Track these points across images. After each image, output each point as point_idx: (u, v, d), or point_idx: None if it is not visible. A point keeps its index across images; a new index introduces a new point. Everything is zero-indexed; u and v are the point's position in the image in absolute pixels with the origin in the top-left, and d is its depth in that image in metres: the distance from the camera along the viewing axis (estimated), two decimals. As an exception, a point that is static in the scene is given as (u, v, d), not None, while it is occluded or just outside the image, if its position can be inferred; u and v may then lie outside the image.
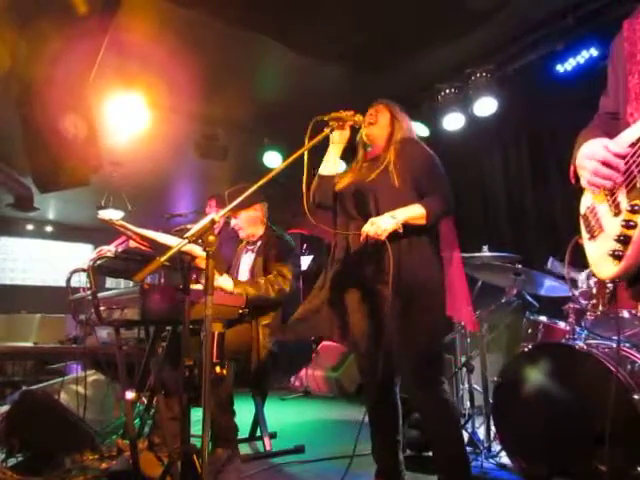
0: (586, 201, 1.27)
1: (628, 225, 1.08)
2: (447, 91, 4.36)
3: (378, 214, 1.88)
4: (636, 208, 1.07)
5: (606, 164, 1.13)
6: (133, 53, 3.90)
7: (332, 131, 1.95)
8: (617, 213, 1.13)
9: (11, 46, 3.54)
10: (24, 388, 2.68)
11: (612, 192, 1.15)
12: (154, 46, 3.86)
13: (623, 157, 1.11)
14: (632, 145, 1.09)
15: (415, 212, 1.86)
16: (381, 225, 1.79)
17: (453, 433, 1.92)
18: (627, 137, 1.12)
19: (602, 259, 1.17)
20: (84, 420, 2.52)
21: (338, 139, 2.05)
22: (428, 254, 1.93)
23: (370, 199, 1.96)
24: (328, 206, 2.09)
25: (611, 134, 1.18)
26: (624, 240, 1.09)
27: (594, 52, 3.58)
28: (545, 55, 3.84)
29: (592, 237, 1.24)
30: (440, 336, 2.17)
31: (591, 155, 1.17)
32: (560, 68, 3.77)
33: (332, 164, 2.10)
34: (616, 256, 1.11)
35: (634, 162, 1.08)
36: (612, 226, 1.15)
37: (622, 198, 1.12)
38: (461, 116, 4.39)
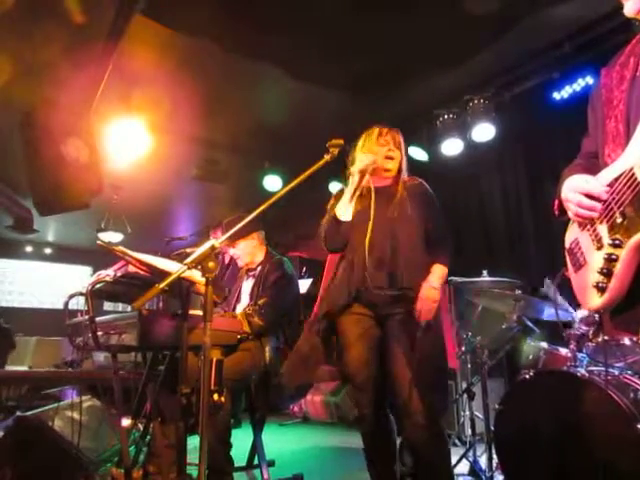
0: (570, 235, 1.34)
1: (610, 258, 1.14)
2: (446, 117, 4.41)
3: (396, 248, 1.97)
4: (617, 242, 1.13)
5: (589, 196, 1.19)
6: (135, 78, 3.96)
7: (332, 158, 1.93)
8: (600, 247, 1.19)
9: (15, 68, 3.61)
10: (18, 414, 2.62)
11: (593, 226, 1.21)
12: (156, 72, 3.92)
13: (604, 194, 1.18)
14: (610, 185, 1.16)
15: (443, 273, 2.03)
16: (431, 300, 1.91)
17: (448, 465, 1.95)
18: (606, 176, 1.19)
19: (587, 291, 1.22)
20: (78, 448, 2.45)
21: (358, 182, 2.03)
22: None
23: (388, 235, 2.01)
24: (342, 247, 2.10)
25: (592, 172, 1.24)
26: (607, 273, 1.15)
27: (590, 80, 3.65)
28: (542, 83, 3.90)
29: (577, 270, 1.29)
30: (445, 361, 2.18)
31: (574, 188, 1.23)
32: (557, 95, 3.85)
33: (350, 208, 2.06)
34: (600, 288, 1.17)
35: (613, 199, 1.14)
36: (596, 259, 1.20)
37: (604, 233, 1.18)
38: (459, 141, 4.43)
